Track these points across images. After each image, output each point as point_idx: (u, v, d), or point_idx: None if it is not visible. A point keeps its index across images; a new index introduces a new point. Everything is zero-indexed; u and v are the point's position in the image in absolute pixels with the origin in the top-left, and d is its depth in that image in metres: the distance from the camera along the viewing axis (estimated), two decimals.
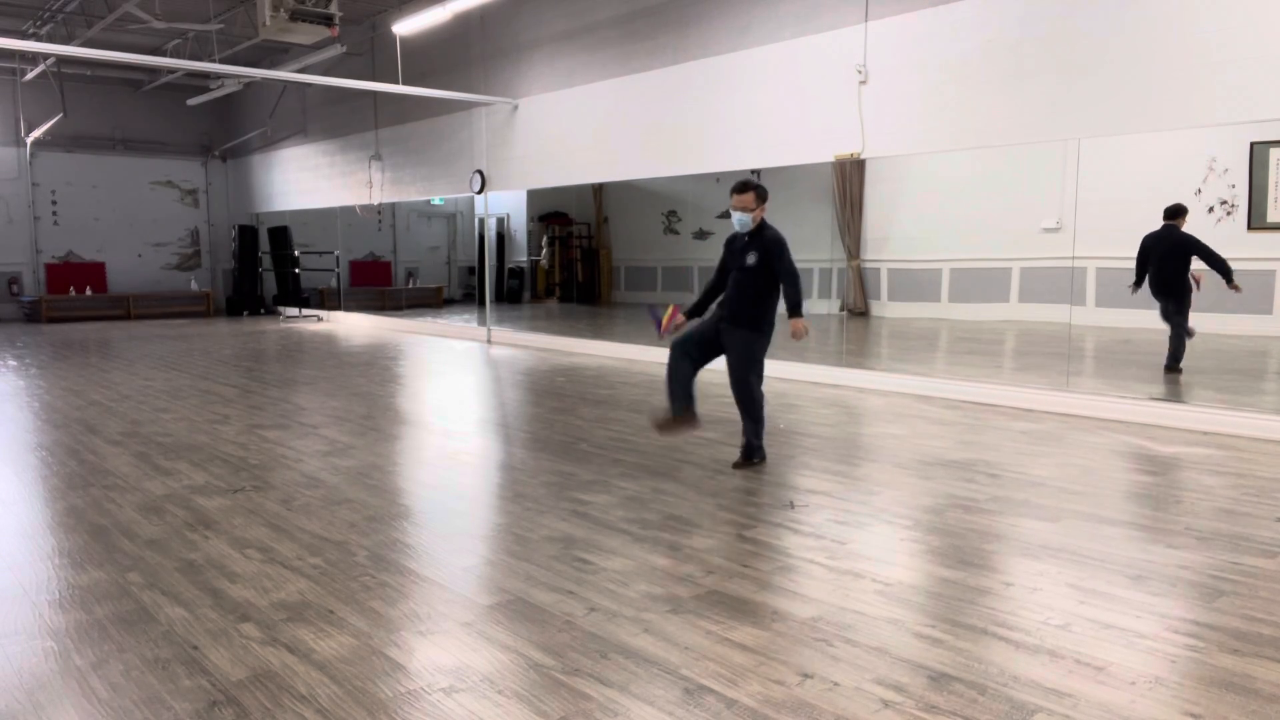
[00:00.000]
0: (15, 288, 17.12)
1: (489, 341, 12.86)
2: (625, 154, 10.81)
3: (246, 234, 18.53)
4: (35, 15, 13.78)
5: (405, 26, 11.69)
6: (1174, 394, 7.42)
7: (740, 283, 5.15)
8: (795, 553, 3.81)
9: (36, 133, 16.37)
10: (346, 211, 16.32)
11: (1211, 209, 9.42)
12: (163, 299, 18.32)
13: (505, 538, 4.06)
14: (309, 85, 15.19)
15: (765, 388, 5.30)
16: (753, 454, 5.28)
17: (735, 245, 5.25)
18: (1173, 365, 7.75)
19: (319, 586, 3.46)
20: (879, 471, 5.23)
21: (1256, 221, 8.69)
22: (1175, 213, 7.88)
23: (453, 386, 9.07)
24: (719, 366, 5.20)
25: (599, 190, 17.68)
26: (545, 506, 4.52)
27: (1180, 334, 7.78)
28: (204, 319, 17.36)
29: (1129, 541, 3.91)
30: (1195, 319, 9.33)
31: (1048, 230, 10.32)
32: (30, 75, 15.99)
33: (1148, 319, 9.90)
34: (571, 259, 18.17)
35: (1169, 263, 7.85)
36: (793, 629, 3.04)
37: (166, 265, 18.97)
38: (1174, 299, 7.81)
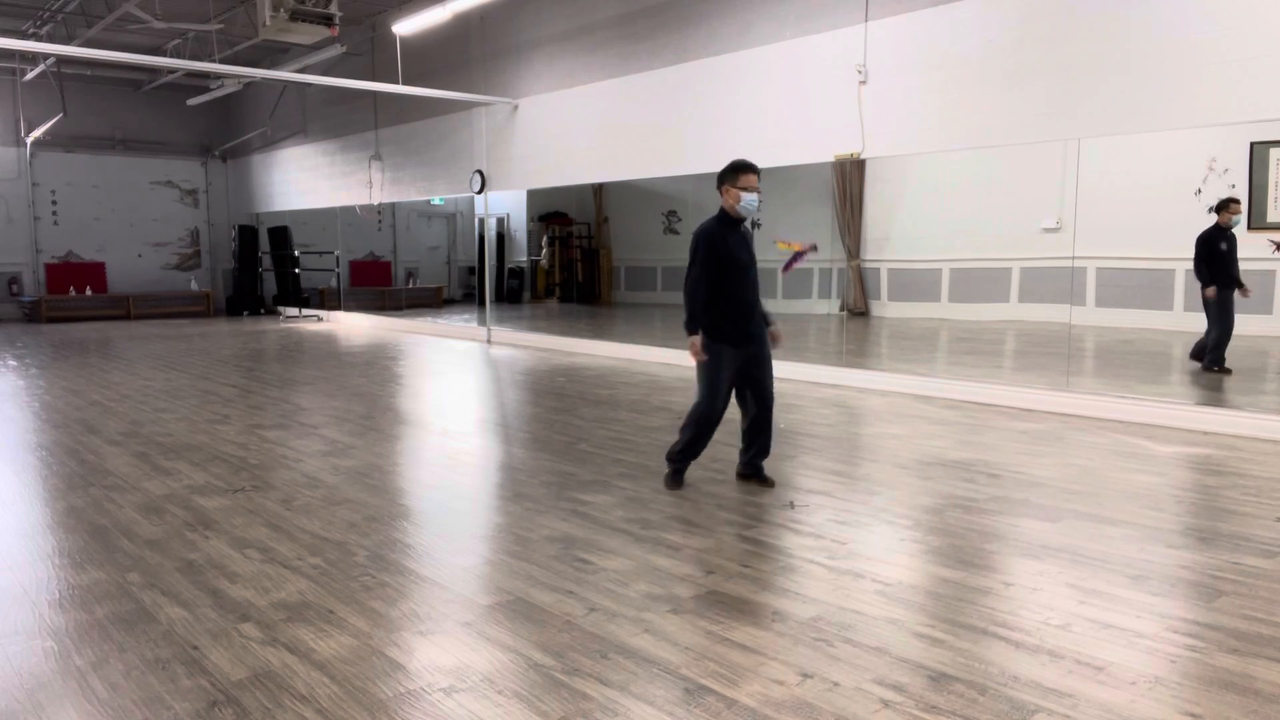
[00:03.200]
0: (15, 288, 17.12)
1: (489, 341, 12.86)
2: (625, 154, 10.81)
3: (246, 234, 18.53)
4: (35, 15, 13.78)
5: (405, 26, 11.69)
6: (1208, 392, 7.47)
7: (752, 283, 4.66)
8: (795, 553, 3.81)
9: (36, 133, 16.37)
10: (346, 211, 16.33)
11: (1211, 209, 9.41)
12: (163, 299, 18.32)
13: (505, 538, 4.06)
14: (309, 85, 15.19)
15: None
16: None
17: (733, 240, 4.60)
18: (1208, 362, 7.77)
19: (319, 586, 3.46)
20: (879, 471, 5.23)
21: (1257, 221, 8.69)
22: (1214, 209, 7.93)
23: (453, 386, 9.07)
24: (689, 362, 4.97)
25: (599, 190, 17.68)
26: (545, 506, 4.52)
27: (1207, 329, 7.82)
28: (204, 319, 17.35)
29: (1129, 541, 3.91)
30: (1194, 318, 9.33)
31: (1048, 230, 10.32)
32: (30, 75, 15.99)
33: (1147, 319, 9.92)
34: (571, 259, 18.17)
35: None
36: (793, 629, 3.04)
37: (166, 265, 18.97)
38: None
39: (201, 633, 3.04)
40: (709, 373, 4.64)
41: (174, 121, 18.62)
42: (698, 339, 4.55)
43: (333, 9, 9.17)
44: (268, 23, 8.95)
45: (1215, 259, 7.74)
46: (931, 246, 12.86)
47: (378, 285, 18.61)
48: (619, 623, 3.09)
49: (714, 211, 4.72)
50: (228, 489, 4.91)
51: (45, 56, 14.97)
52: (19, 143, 16.85)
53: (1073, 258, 8.51)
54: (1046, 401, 7.09)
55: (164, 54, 14.99)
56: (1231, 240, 7.75)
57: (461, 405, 7.97)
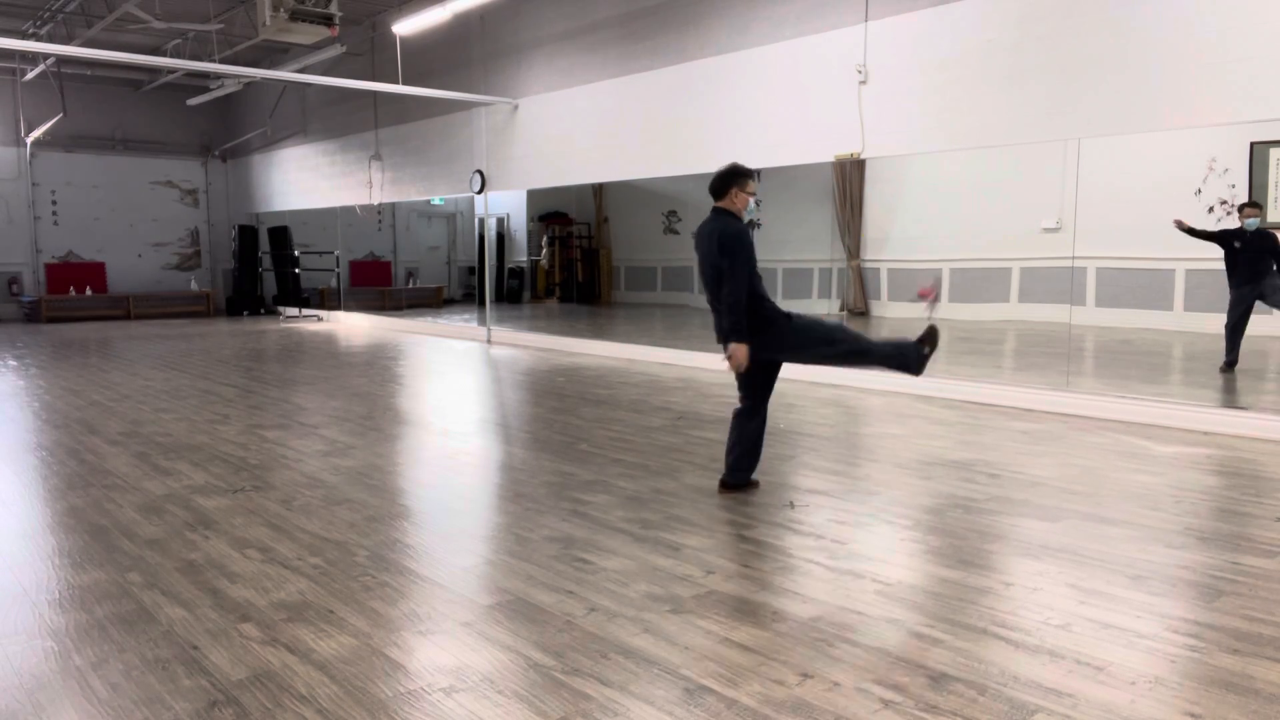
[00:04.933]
0: (15, 288, 17.12)
1: (489, 341, 12.86)
2: (625, 154, 10.81)
3: (246, 234, 18.53)
4: (35, 15, 13.78)
5: (405, 26, 11.69)
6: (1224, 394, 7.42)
7: None
8: (795, 553, 3.81)
9: (36, 133, 16.37)
10: (346, 211, 16.33)
11: (1211, 209, 9.40)
12: (163, 299, 18.32)
13: (505, 538, 4.06)
14: (309, 85, 15.19)
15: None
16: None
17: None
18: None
19: (319, 586, 3.46)
20: (879, 471, 5.23)
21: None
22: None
23: (453, 386, 9.07)
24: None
25: (599, 190, 17.68)
26: (545, 506, 4.52)
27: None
28: (204, 319, 17.35)
29: (1129, 541, 3.91)
30: (1194, 318, 9.29)
31: (1048, 230, 10.32)
32: (30, 75, 15.99)
33: (1147, 319, 9.92)
34: (571, 259, 18.18)
35: None
36: (793, 629, 3.04)
37: (166, 265, 18.98)
38: None
39: (201, 633, 3.04)
40: (749, 374, 4.54)
41: (174, 121, 18.62)
42: (745, 347, 4.37)
43: (333, 9, 9.17)
44: (268, 23, 8.95)
45: (1227, 255, 7.68)
46: (931, 246, 12.85)
47: (378, 285, 18.60)
48: (619, 623, 3.09)
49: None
50: (228, 489, 4.91)
51: (45, 56, 14.97)
52: (19, 143, 16.85)
53: (1073, 258, 8.51)
54: (1046, 401, 7.09)
55: (164, 54, 14.99)
56: (1247, 241, 7.64)
57: (461, 405, 7.97)
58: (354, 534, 4.10)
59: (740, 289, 4.33)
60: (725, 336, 4.42)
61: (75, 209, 17.72)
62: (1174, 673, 2.72)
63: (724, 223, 4.46)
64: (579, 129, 11.35)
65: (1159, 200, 9.62)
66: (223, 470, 5.33)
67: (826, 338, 4.69)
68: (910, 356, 4.68)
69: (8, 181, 16.94)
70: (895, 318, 13.35)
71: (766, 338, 4.46)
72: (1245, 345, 8.02)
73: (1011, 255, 11.42)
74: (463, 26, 12.70)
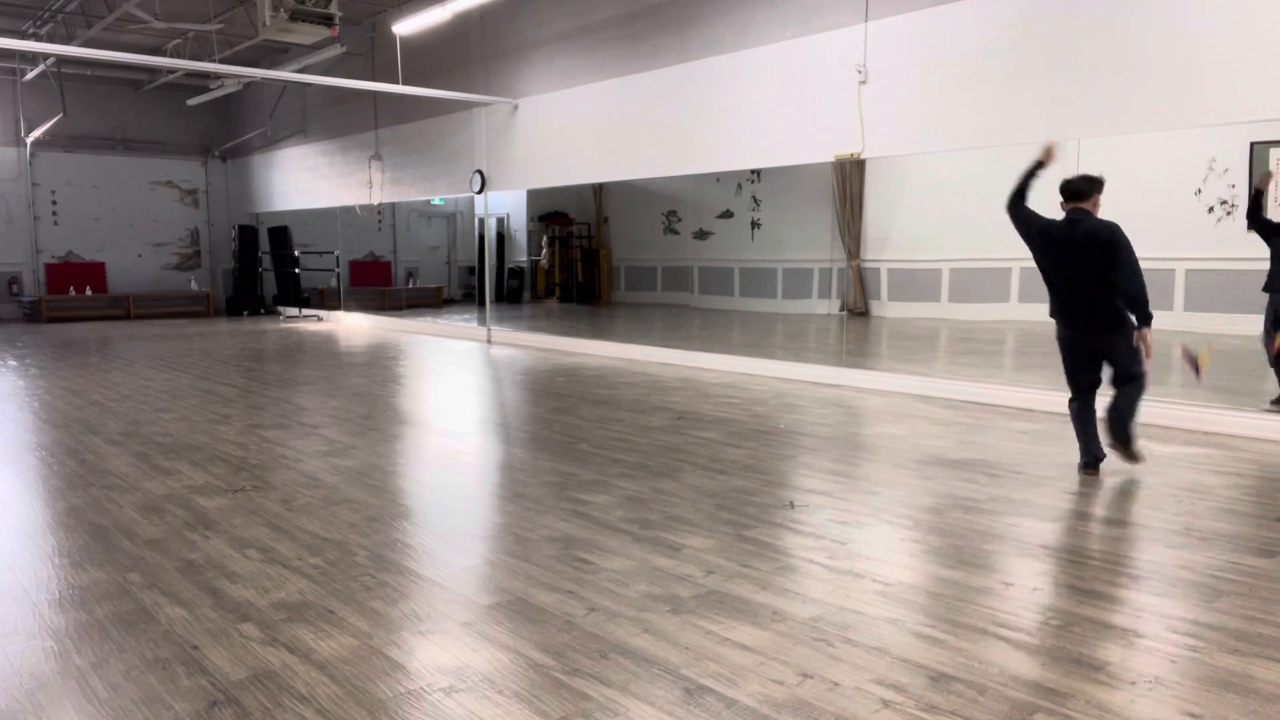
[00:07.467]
0: (15, 288, 17.11)
1: (489, 341, 12.86)
2: (625, 154, 10.81)
3: (246, 234, 18.53)
4: (35, 15, 13.78)
5: (405, 26, 11.69)
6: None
7: None
8: (795, 553, 3.81)
9: (36, 133, 16.37)
10: (346, 211, 16.33)
11: (1211, 209, 9.42)
12: (163, 299, 18.31)
13: (505, 538, 4.06)
14: (309, 85, 15.19)
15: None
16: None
17: None
18: None
19: (319, 586, 3.46)
20: (879, 471, 5.23)
21: (1256, 221, 8.68)
22: None
23: (453, 386, 9.07)
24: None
25: (599, 190, 17.69)
26: (545, 506, 4.52)
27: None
28: (204, 319, 17.35)
29: (1129, 541, 3.92)
30: (1194, 318, 9.28)
31: None
32: (30, 75, 15.99)
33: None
34: (571, 259, 18.19)
35: None
36: (793, 629, 3.04)
37: (166, 265, 18.96)
38: None
39: (201, 633, 3.04)
40: (1084, 366, 5.13)
41: (174, 121, 18.61)
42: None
43: (333, 9, 9.17)
44: (268, 23, 8.95)
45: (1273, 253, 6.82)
46: (931, 246, 12.86)
47: (378, 285, 18.62)
48: (619, 623, 3.09)
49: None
50: (228, 489, 4.91)
51: (45, 56, 14.97)
52: (19, 143, 16.85)
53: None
54: (1046, 401, 7.08)
55: (164, 54, 14.98)
56: None
57: (461, 405, 7.97)
58: (354, 534, 4.10)
59: (1139, 275, 4.65)
60: (1140, 321, 4.69)
61: (75, 209, 17.71)
62: (1174, 673, 2.72)
63: (1100, 221, 4.92)
64: (579, 129, 11.35)
65: (1159, 200, 9.63)
66: (223, 470, 5.33)
67: (1139, 359, 4.88)
68: (1126, 425, 4.94)
69: (8, 181, 16.93)
70: (894, 318, 13.35)
71: (1120, 336, 4.86)
72: (1243, 345, 8.00)
73: (1011, 255, 11.40)
74: (463, 26, 12.70)
